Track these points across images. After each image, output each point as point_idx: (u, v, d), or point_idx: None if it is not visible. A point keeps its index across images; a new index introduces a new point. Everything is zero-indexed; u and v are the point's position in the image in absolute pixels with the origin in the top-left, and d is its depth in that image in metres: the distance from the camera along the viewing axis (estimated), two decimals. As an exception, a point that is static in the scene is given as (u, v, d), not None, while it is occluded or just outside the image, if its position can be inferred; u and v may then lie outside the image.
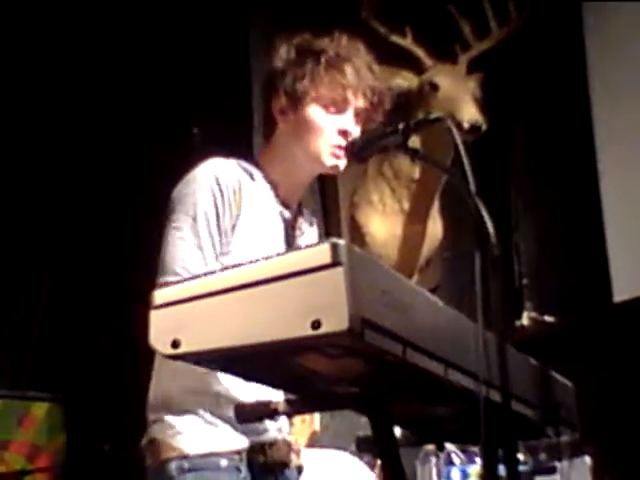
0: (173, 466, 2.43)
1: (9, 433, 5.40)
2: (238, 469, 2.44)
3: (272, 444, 2.51)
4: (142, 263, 2.58)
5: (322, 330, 1.50)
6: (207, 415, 2.48)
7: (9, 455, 5.32)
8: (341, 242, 1.52)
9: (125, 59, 5.63)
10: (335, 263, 1.51)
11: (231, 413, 2.38)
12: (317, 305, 1.52)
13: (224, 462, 2.44)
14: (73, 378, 5.71)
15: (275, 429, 2.56)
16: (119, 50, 5.61)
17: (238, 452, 2.46)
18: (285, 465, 2.55)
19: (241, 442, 2.46)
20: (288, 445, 2.57)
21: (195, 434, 2.46)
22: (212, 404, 2.47)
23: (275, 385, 2.04)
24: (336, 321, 1.49)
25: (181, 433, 2.47)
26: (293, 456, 2.59)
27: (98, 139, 5.87)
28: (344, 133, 2.48)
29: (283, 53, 2.58)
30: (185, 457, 2.43)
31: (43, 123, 6.06)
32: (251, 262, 1.62)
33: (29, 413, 5.48)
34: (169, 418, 2.49)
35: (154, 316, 1.71)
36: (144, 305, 2.17)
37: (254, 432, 2.48)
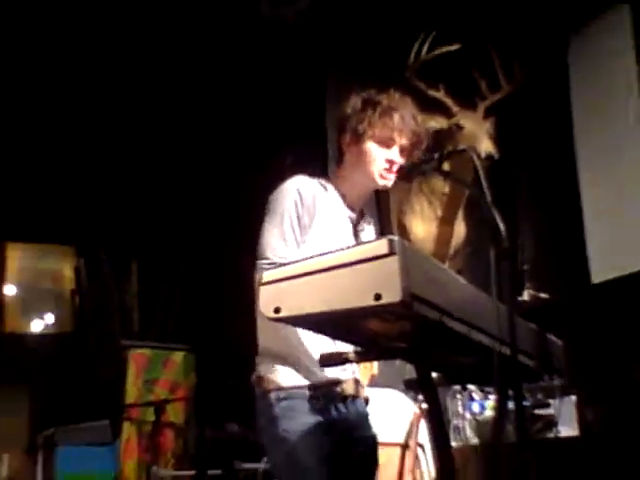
0: (272, 396, 2.44)
1: (157, 373, 5.48)
2: (318, 399, 2.45)
3: (344, 381, 2.51)
4: (247, 251, 2.60)
5: (382, 301, 1.52)
6: (292, 362, 2.49)
7: (157, 389, 5.41)
8: (395, 238, 1.54)
9: (239, 105, 5.64)
10: (391, 253, 1.53)
11: (309, 360, 2.44)
12: (378, 283, 1.53)
13: (308, 393, 2.45)
14: (202, 333, 5.76)
15: (348, 370, 2.56)
16: (236, 97, 5.63)
17: (319, 386, 2.46)
18: (355, 397, 2.55)
19: (322, 379, 2.47)
20: (357, 382, 2.57)
21: (288, 372, 2.47)
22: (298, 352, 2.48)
23: (346, 340, 2.06)
24: (392, 295, 1.51)
25: (278, 372, 2.48)
26: (361, 390, 2.59)
27: (225, 164, 5.88)
28: (390, 162, 2.50)
29: (352, 103, 2.60)
30: (281, 389, 2.44)
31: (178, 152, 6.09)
32: (331, 252, 1.64)
33: (170, 359, 5.56)
34: (270, 361, 2.51)
35: (263, 290, 1.73)
36: (250, 279, 2.31)
37: (332, 372, 2.48)
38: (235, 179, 5.74)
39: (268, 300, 1.70)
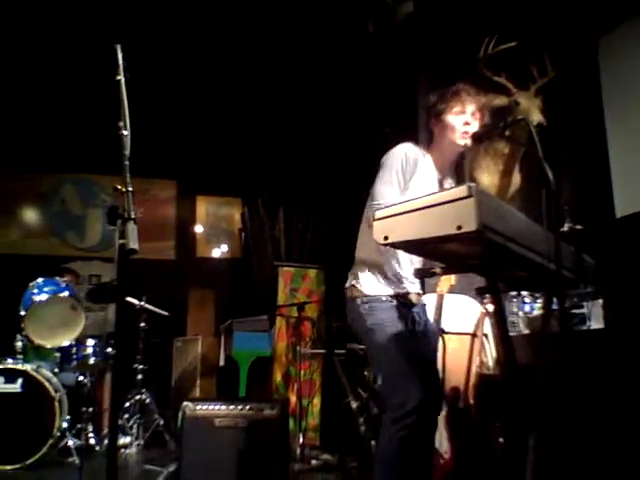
0: (358, 301, 2.44)
1: (298, 284, 5.57)
2: (392, 302, 2.43)
3: (410, 292, 2.48)
4: (361, 196, 2.57)
5: (462, 230, 1.50)
6: (378, 275, 2.46)
7: (299, 294, 5.50)
8: (472, 184, 1.50)
9: (362, 95, 5.50)
10: (469, 195, 1.50)
11: (391, 274, 2.42)
12: (459, 217, 1.51)
13: (385, 299, 2.43)
14: (329, 255, 5.77)
15: (416, 285, 2.53)
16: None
17: (394, 295, 2.44)
18: (416, 304, 2.52)
19: (396, 290, 2.45)
20: (419, 295, 2.53)
21: (371, 283, 2.45)
22: (384, 269, 2.47)
23: (433, 259, 2.04)
24: (470, 225, 1.49)
25: (364, 281, 2.46)
26: (421, 299, 2.55)
27: (350, 135, 5.77)
28: (466, 123, 2.41)
29: (435, 94, 2.53)
30: (365, 296, 2.43)
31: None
32: (425, 196, 1.62)
33: (307, 274, 5.63)
34: (359, 273, 2.49)
35: (376, 224, 1.73)
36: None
37: (402, 286, 2.47)
38: (355, 147, 5.64)
39: (379, 231, 1.71)
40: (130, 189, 1.69)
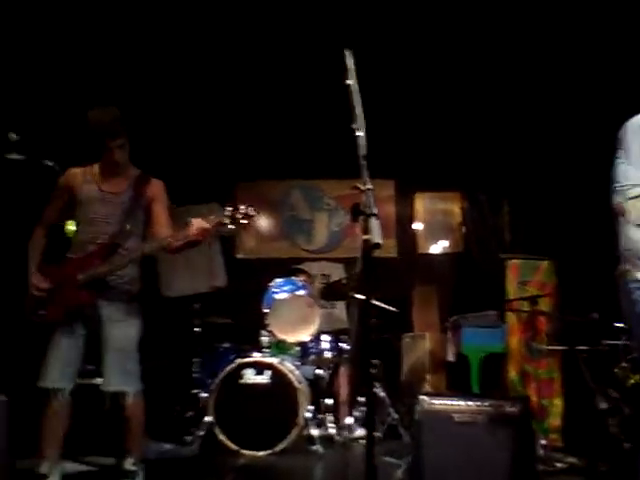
0: (631, 285, 2.29)
1: (528, 277, 5.35)
2: None
3: None
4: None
5: None
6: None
7: (529, 288, 5.27)
8: None
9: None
10: None
11: None
12: None
13: None
14: (559, 245, 5.45)
15: None
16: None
17: None
18: None
19: None
20: None
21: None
22: None
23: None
24: None
25: (635, 268, 2.30)
26: None
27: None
28: None
29: None
30: (637, 280, 2.28)
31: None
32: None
33: (538, 266, 5.38)
34: (630, 259, 2.32)
35: (630, 204, 1.59)
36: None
37: None
38: (579, 133, 5.24)
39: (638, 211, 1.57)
40: (370, 187, 1.76)
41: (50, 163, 2.63)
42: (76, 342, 3.14)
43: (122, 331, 3.15)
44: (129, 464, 3.19)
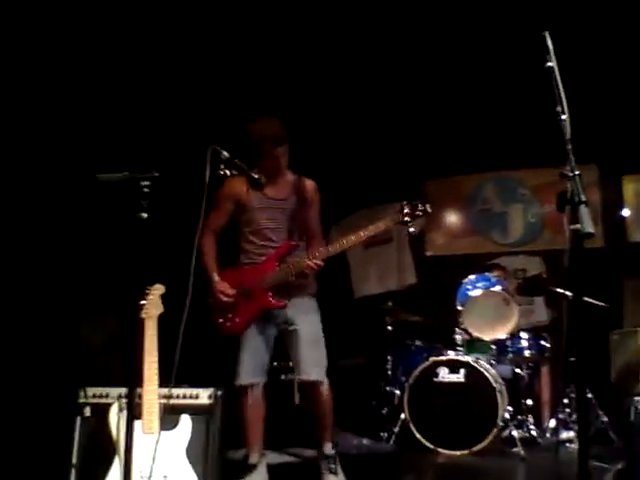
0: None
1: None
2: None
3: None
4: None
5: None
6: None
7: None
8: None
9: None
10: None
11: None
12: None
13: None
14: None
15: None
16: None
17: None
18: None
19: None
20: None
21: None
22: None
23: None
24: None
25: None
26: None
27: None
28: None
29: None
30: None
31: None
32: None
33: None
34: None
35: None
36: None
37: None
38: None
39: None
40: (577, 172, 1.64)
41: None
42: (267, 341, 3.37)
43: (312, 326, 3.34)
44: (328, 449, 3.37)
